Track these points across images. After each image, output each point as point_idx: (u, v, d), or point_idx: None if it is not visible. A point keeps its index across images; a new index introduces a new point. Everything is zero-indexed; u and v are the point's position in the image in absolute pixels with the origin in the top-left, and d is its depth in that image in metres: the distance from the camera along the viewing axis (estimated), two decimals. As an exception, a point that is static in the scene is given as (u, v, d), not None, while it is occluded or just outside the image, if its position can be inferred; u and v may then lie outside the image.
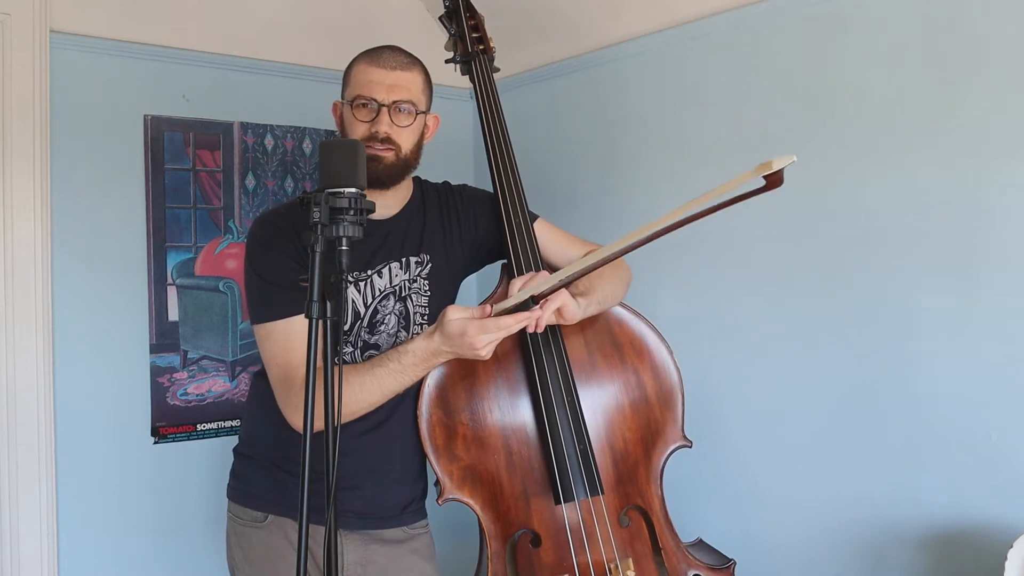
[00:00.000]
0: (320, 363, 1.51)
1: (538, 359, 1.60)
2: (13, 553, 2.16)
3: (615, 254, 1.36)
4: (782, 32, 2.01)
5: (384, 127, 1.54)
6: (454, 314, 1.45)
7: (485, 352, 1.44)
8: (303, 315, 1.45)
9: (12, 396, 2.15)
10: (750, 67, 2.08)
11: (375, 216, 1.53)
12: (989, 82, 1.66)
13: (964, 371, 1.71)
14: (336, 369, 1.19)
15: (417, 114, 1.58)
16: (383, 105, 1.54)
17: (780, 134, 2.02)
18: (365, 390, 1.48)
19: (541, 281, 1.47)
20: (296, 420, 1.51)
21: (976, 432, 1.69)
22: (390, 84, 1.55)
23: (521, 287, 1.48)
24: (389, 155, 1.55)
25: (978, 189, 1.68)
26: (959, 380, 1.71)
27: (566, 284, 1.48)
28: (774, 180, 1.21)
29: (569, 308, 1.53)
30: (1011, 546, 1.43)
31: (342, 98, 1.61)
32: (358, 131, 1.55)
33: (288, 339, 1.51)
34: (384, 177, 1.57)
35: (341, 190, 1.18)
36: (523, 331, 1.61)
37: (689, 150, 2.23)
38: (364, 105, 1.55)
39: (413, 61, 1.60)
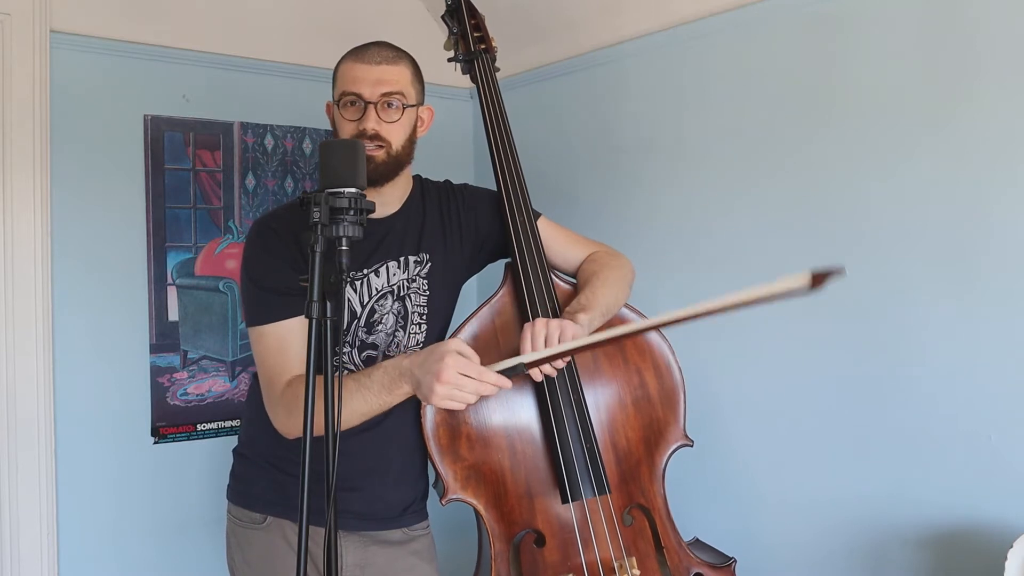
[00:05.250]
0: (296, 369, 1.50)
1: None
2: (13, 553, 2.16)
3: (632, 332, 1.40)
4: (782, 32, 2.01)
5: (371, 124, 1.51)
6: (454, 340, 1.41)
7: (440, 391, 1.32)
8: (295, 319, 1.48)
9: (12, 396, 2.15)
10: (750, 67, 2.08)
11: (374, 215, 1.53)
12: (989, 82, 1.66)
13: (964, 371, 1.71)
14: (334, 370, 1.19)
15: (406, 108, 1.55)
16: (369, 102, 1.51)
17: (780, 134, 2.02)
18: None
19: (533, 353, 1.41)
20: (281, 424, 1.51)
21: (976, 432, 1.69)
22: (375, 79, 1.52)
23: (532, 340, 1.44)
24: (379, 153, 1.53)
25: (978, 189, 1.68)
26: (959, 380, 1.71)
27: (563, 355, 1.44)
28: (819, 282, 1.20)
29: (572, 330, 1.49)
30: (1011, 546, 1.43)
31: (333, 97, 1.59)
32: (346, 130, 1.52)
33: (279, 343, 1.51)
34: (375, 176, 1.53)
35: (341, 190, 1.18)
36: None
37: (689, 150, 2.23)
38: (351, 103, 1.52)
39: (399, 55, 1.58)
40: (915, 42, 1.77)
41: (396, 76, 1.55)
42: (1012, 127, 1.63)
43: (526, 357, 1.38)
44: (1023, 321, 1.62)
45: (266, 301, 1.52)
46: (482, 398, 1.39)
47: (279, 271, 1.51)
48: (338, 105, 1.54)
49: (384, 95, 1.52)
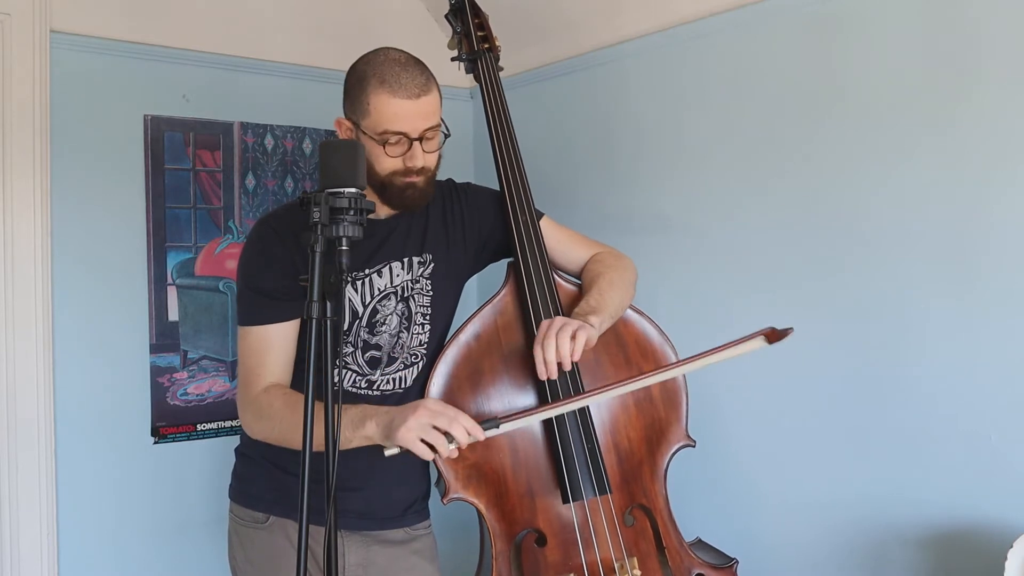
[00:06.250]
0: (283, 372, 1.52)
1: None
2: (13, 553, 2.16)
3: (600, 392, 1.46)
4: (782, 32, 2.01)
5: (420, 161, 1.50)
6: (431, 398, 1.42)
7: (413, 423, 1.33)
8: (280, 324, 1.51)
9: (12, 396, 2.15)
10: (750, 67, 2.08)
11: (377, 215, 1.52)
12: (989, 82, 1.66)
13: (964, 371, 1.71)
14: (335, 371, 1.19)
15: (443, 134, 1.55)
16: (415, 139, 1.49)
17: (780, 134, 2.02)
18: (294, 425, 1.41)
19: (516, 418, 1.44)
20: (248, 425, 1.54)
21: (976, 432, 1.69)
22: (418, 114, 1.48)
23: (546, 333, 1.45)
24: (421, 180, 1.53)
25: (978, 189, 1.68)
26: (959, 380, 1.72)
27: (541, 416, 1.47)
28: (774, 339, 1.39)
29: (592, 341, 1.48)
30: (1011, 546, 1.43)
31: (354, 121, 1.52)
32: (389, 165, 1.50)
33: (261, 345, 1.53)
34: (420, 202, 1.56)
35: (341, 190, 1.18)
36: (529, 329, 1.62)
37: (689, 150, 2.24)
38: (396, 141, 1.49)
39: (428, 77, 1.51)
40: (915, 42, 1.77)
41: (435, 105, 1.51)
42: (1012, 127, 1.63)
43: (505, 424, 1.41)
44: (1023, 321, 1.62)
45: (255, 303, 1.53)
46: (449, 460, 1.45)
47: (272, 274, 1.52)
48: (378, 141, 1.48)
49: (428, 129, 1.50)
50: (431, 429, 1.34)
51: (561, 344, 1.43)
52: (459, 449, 1.37)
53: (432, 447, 1.34)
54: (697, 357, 1.43)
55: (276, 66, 2.56)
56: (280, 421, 1.47)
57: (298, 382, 1.55)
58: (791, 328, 1.38)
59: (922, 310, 1.77)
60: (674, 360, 1.70)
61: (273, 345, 1.52)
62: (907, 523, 1.80)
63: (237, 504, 1.66)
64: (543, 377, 1.47)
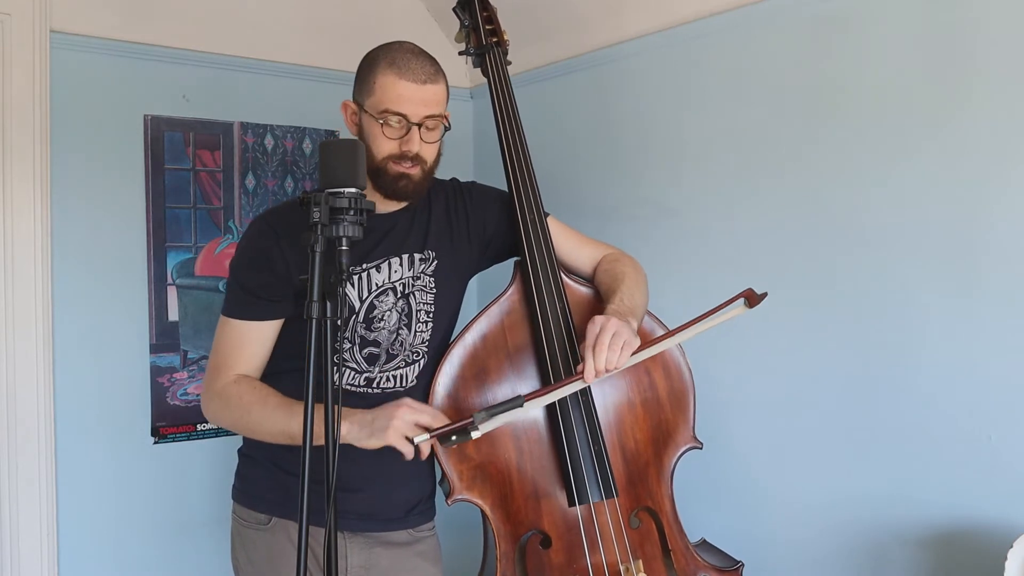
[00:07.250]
0: (255, 368, 1.55)
1: (552, 358, 1.59)
2: (13, 553, 2.16)
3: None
4: (782, 32, 2.01)
5: (416, 147, 1.50)
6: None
7: (393, 429, 1.39)
8: (260, 322, 1.53)
9: (12, 396, 2.15)
10: (751, 67, 2.08)
11: (378, 210, 1.52)
12: (989, 82, 1.66)
13: (964, 371, 1.71)
14: (334, 371, 1.19)
15: (444, 128, 1.55)
16: (414, 124, 1.49)
17: (780, 134, 2.02)
18: (263, 419, 1.49)
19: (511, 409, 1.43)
20: (212, 413, 1.56)
21: (975, 432, 1.69)
22: (420, 99, 1.48)
23: (600, 339, 1.42)
24: (416, 172, 1.53)
25: (978, 189, 1.68)
26: (959, 380, 1.72)
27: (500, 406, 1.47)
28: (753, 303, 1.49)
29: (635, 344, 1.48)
30: (1011, 546, 1.43)
31: (359, 102, 1.53)
32: (385, 147, 1.50)
33: (239, 339, 1.54)
34: (412, 194, 1.56)
35: (341, 190, 1.18)
36: (536, 329, 1.62)
37: (691, 150, 2.24)
38: (395, 122, 1.49)
39: (437, 69, 1.53)
40: (915, 42, 1.77)
41: (440, 96, 1.52)
42: (1012, 127, 1.63)
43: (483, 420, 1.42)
44: (1023, 321, 1.62)
45: (240, 298, 1.55)
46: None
47: (261, 273, 1.52)
48: (377, 120, 1.49)
49: (428, 117, 1.50)
50: (415, 427, 1.41)
51: (611, 356, 1.42)
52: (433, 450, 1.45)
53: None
54: (686, 326, 1.48)
55: (276, 66, 2.56)
56: (248, 413, 1.49)
57: (297, 381, 1.54)
58: (766, 293, 1.48)
59: (922, 310, 1.77)
60: (678, 349, 1.70)
61: (250, 342, 1.54)
62: (907, 523, 1.80)
63: (239, 505, 1.66)
64: (589, 381, 1.44)
